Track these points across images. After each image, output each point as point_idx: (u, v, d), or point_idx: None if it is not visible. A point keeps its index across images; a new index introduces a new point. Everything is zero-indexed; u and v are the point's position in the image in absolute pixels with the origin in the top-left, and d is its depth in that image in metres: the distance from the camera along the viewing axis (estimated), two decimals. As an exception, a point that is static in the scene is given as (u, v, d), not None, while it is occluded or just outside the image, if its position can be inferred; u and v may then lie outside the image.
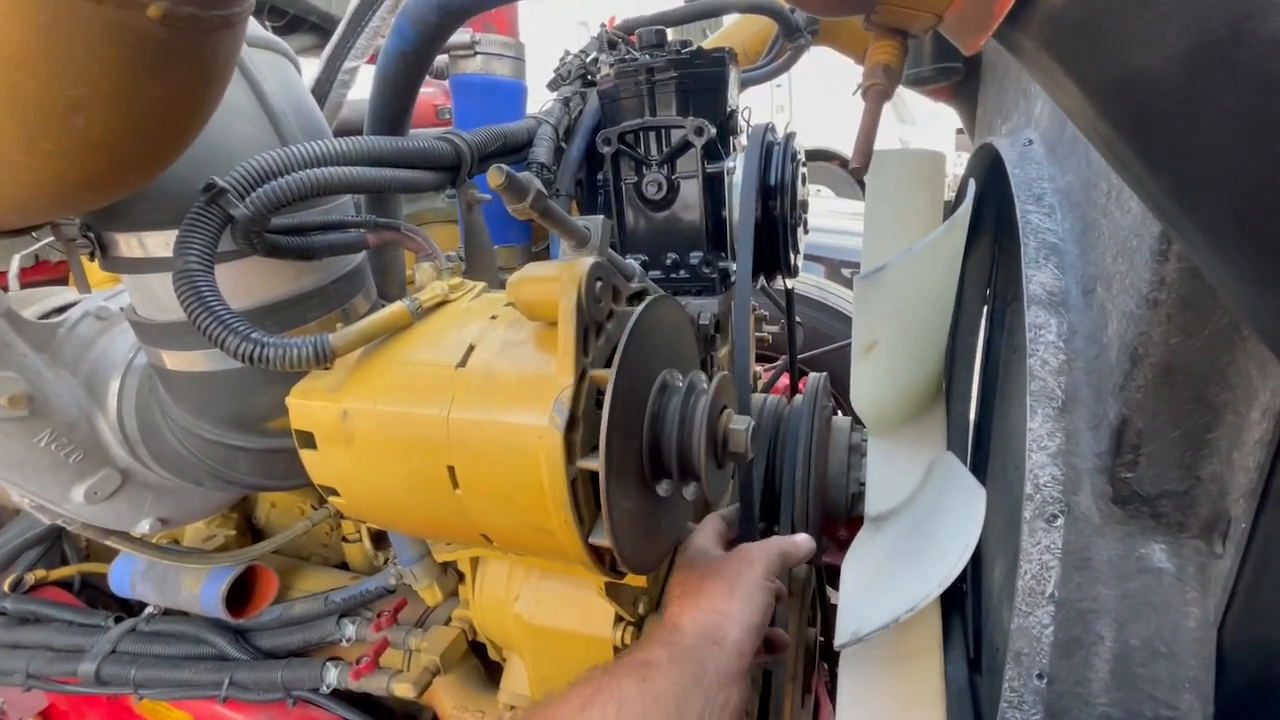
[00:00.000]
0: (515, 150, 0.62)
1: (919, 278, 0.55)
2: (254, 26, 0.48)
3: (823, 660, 1.12)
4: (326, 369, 0.42)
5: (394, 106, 0.53)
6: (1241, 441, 0.33)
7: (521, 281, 0.37)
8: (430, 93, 1.17)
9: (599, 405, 0.37)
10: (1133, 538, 0.38)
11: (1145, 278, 0.34)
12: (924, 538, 0.54)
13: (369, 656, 0.72)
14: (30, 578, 0.91)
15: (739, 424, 0.40)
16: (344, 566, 1.03)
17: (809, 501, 0.77)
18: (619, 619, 0.59)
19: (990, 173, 0.82)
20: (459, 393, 0.39)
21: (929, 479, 0.65)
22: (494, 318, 0.44)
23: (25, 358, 0.53)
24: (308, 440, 0.42)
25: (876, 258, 0.80)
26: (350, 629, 0.78)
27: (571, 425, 0.34)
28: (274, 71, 0.49)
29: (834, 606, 1.12)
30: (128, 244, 0.45)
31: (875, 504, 0.70)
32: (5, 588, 0.89)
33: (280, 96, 0.47)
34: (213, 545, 0.99)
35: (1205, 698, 0.35)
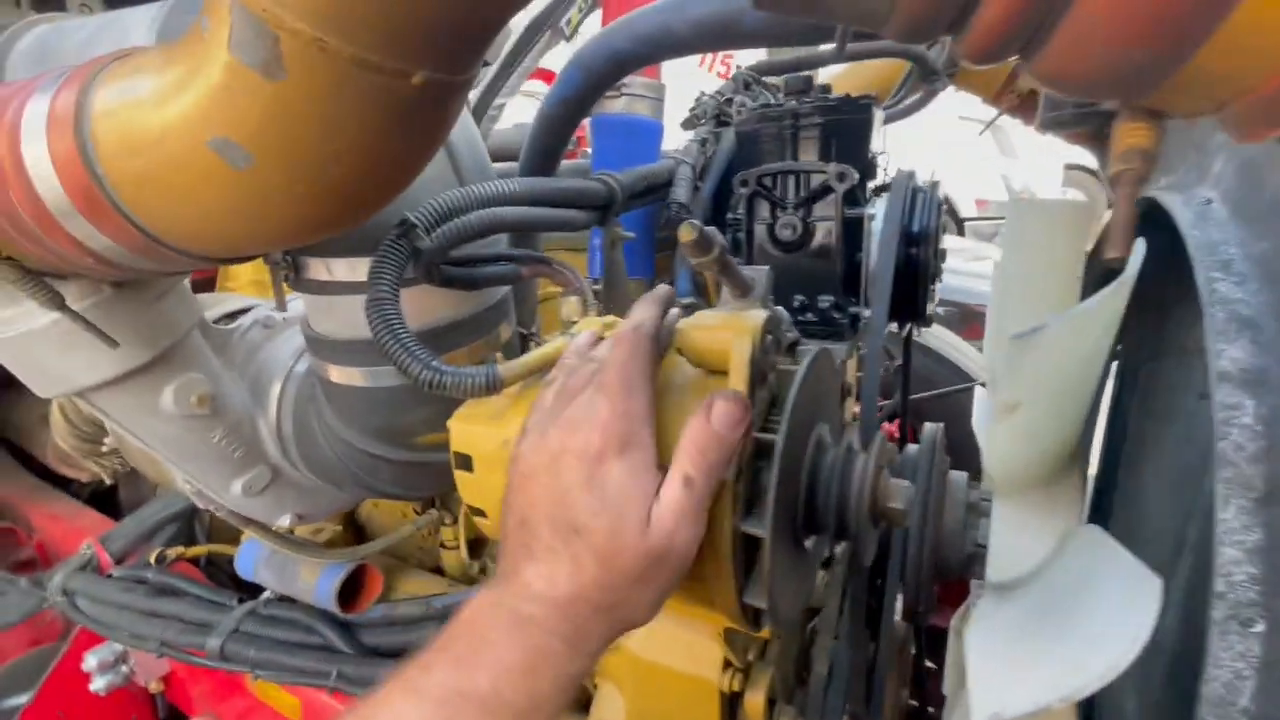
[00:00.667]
0: (657, 190, 0.64)
1: (1078, 341, 0.52)
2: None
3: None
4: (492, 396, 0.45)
5: (551, 147, 0.56)
6: None
7: (692, 329, 0.38)
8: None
9: (755, 458, 0.37)
10: (1352, 656, 0.34)
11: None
12: (1067, 616, 0.50)
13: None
14: (171, 553, 1.00)
15: (899, 487, 0.40)
16: (439, 571, 1.07)
17: (922, 556, 0.74)
18: (727, 664, 0.58)
19: (1143, 228, 0.77)
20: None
21: (1068, 550, 0.61)
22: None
23: (210, 361, 0.59)
24: (465, 463, 0.45)
25: (1011, 312, 0.77)
26: (449, 637, 0.82)
27: (737, 476, 0.35)
28: (450, 111, 0.53)
29: (931, 670, 1.06)
30: (317, 268, 0.49)
31: (1000, 570, 0.66)
32: (151, 560, 0.98)
33: (458, 134, 0.51)
34: (321, 538, 1.05)
35: None
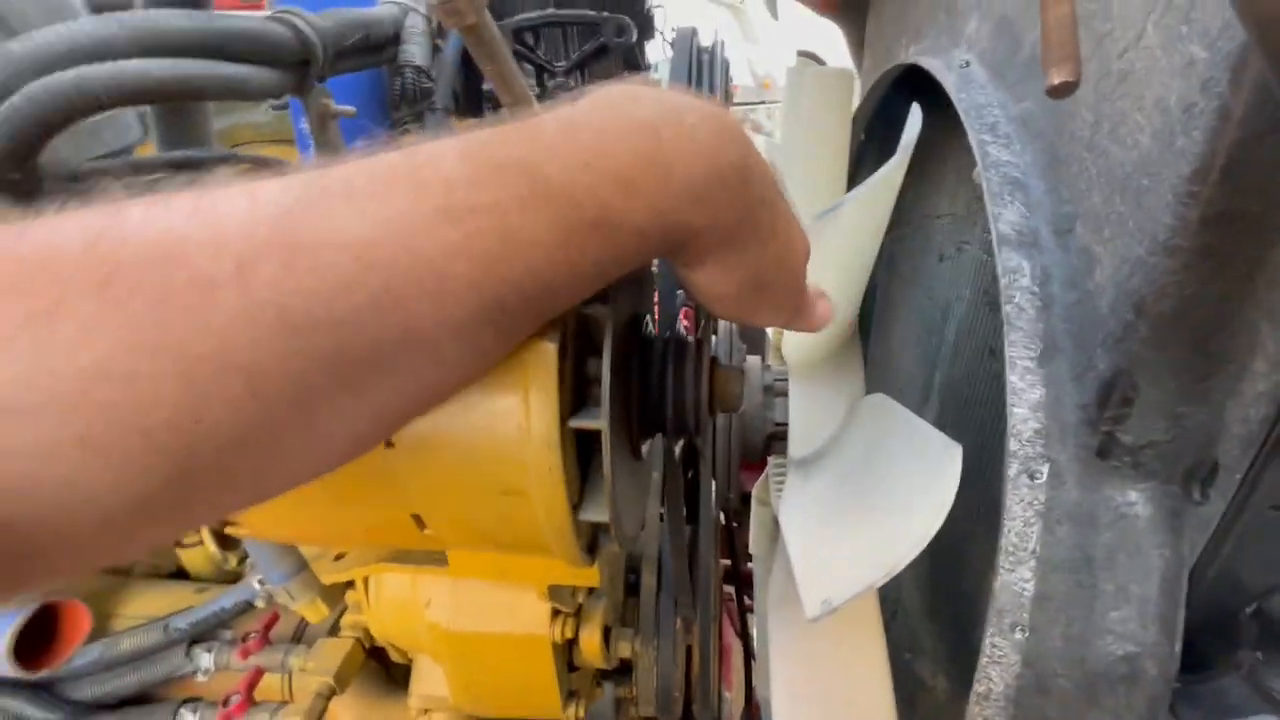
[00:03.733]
0: (379, 48, 0.47)
1: (870, 214, 0.50)
2: None
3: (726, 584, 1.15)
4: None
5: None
6: (1239, 392, 0.32)
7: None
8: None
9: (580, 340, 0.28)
10: (1112, 488, 0.37)
11: (1163, 222, 0.31)
12: (874, 489, 0.52)
13: (240, 693, 0.60)
14: None
15: (736, 372, 0.35)
16: (182, 575, 0.84)
17: (730, 446, 0.74)
18: (556, 613, 0.52)
19: (892, 99, 0.79)
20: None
21: (858, 421, 0.64)
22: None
23: None
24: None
25: (795, 185, 0.76)
26: (206, 658, 0.64)
27: (563, 352, 0.25)
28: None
29: (736, 529, 1.13)
30: None
31: (800, 447, 0.69)
32: None
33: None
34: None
35: (1172, 632, 0.37)
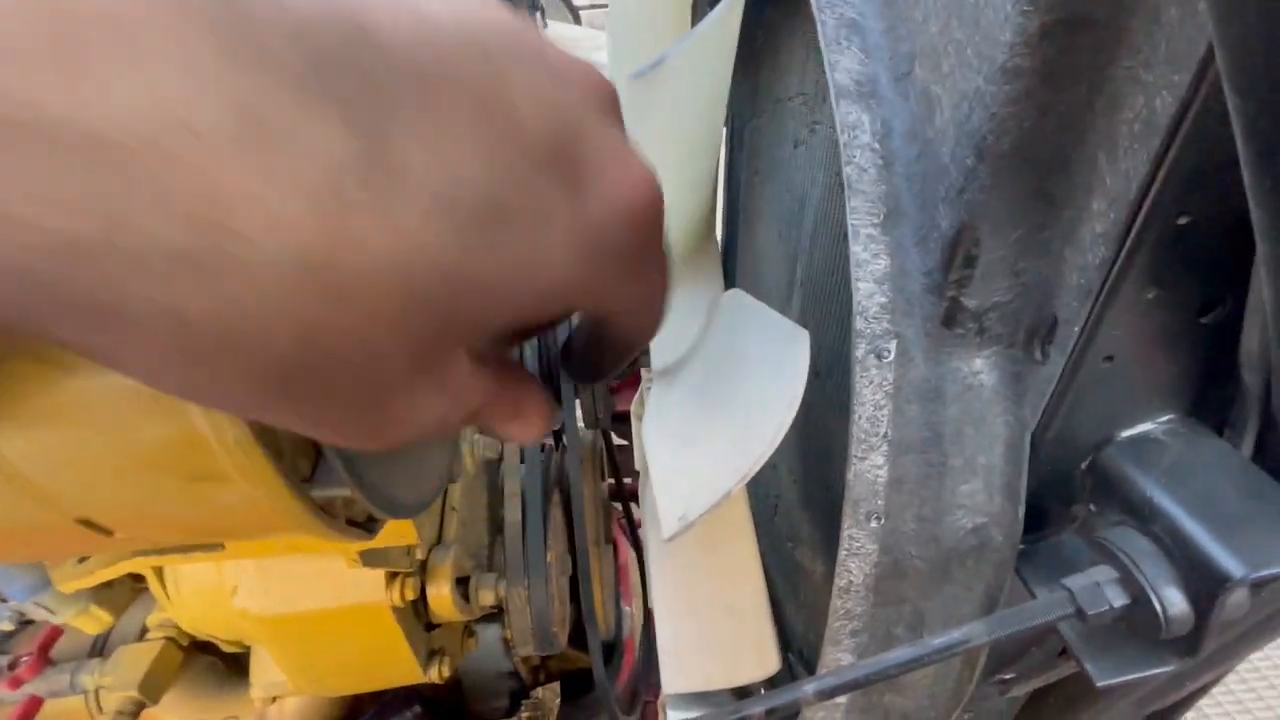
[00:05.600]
0: None
1: (699, 71, 0.43)
2: None
3: (610, 502, 1.13)
4: None
5: None
6: (1077, 237, 0.29)
7: None
8: None
9: None
10: (958, 359, 0.35)
11: (1003, 39, 0.26)
12: (729, 390, 0.49)
13: (10, 729, 0.49)
14: None
15: None
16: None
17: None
18: (394, 575, 0.45)
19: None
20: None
21: (717, 319, 0.60)
22: None
23: None
24: None
25: (627, 63, 0.67)
26: (-33, 695, 0.52)
27: None
28: None
29: (619, 448, 1.11)
30: None
31: (661, 356, 0.65)
32: None
33: None
34: None
35: (1016, 498, 0.36)
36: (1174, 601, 0.28)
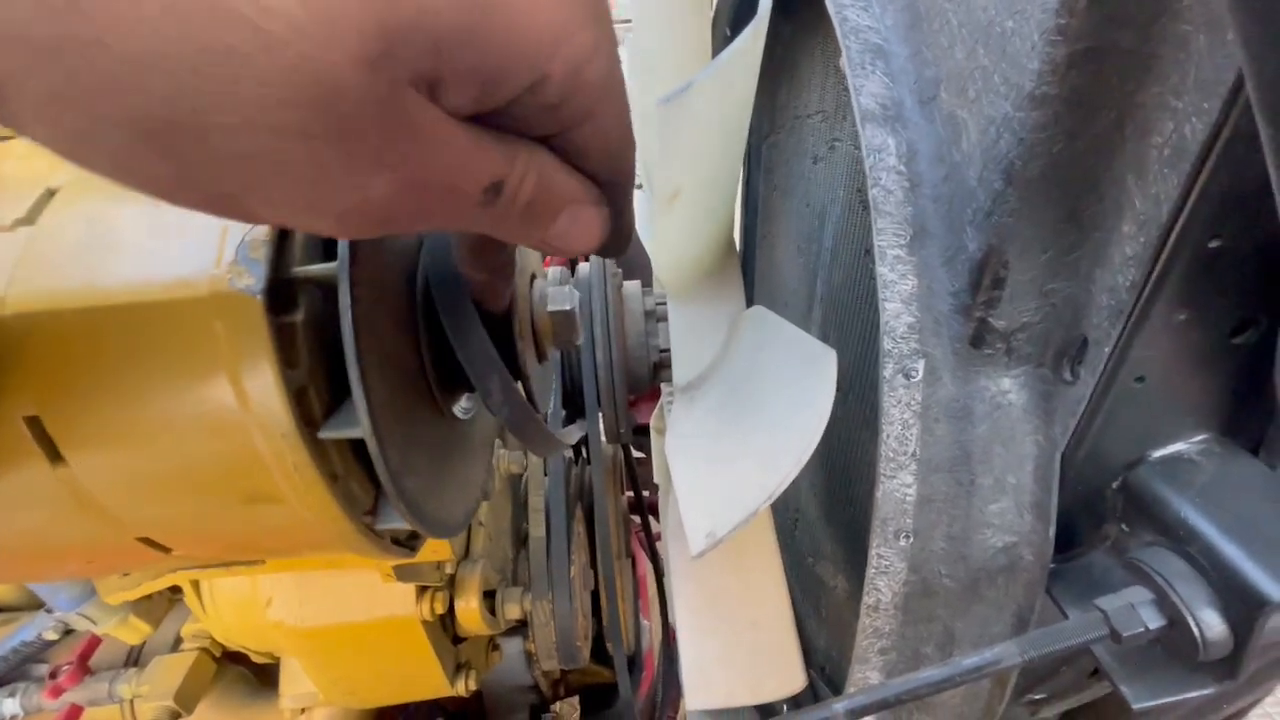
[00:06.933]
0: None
1: (726, 94, 0.44)
2: None
3: (629, 515, 1.14)
4: None
5: None
6: (1107, 259, 0.29)
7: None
8: None
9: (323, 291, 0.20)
10: (986, 378, 0.35)
11: (1031, 68, 0.27)
12: (753, 408, 0.49)
13: (52, 738, 0.50)
14: None
15: (563, 297, 0.28)
16: (-16, 605, 0.70)
17: (614, 381, 0.69)
18: (423, 589, 0.46)
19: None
20: (27, 264, 0.19)
21: (739, 336, 0.61)
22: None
23: None
24: None
25: (651, 90, 0.68)
26: (10, 704, 0.53)
27: (281, 296, 0.18)
28: None
29: (639, 461, 1.12)
30: None
31: (683, 372, 0.65)
32: None
33: None
34: None
35: (1046, 517, 0.36)
36: (1212, 624, 0.27)
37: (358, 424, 0.19)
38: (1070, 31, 0.25)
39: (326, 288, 0.19)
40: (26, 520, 0.20)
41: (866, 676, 0.42)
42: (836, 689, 0.70)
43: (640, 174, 0.80)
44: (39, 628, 0.52)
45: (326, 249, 0.21)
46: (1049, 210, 0.29)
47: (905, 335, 0.35)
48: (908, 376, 0.35)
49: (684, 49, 0.63)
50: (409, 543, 0.26)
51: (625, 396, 0.70)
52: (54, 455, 0.18)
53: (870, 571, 0.38)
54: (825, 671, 0.79)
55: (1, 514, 0.20)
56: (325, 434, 0.19)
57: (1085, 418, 0.32)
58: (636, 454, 1.22)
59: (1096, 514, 0.36)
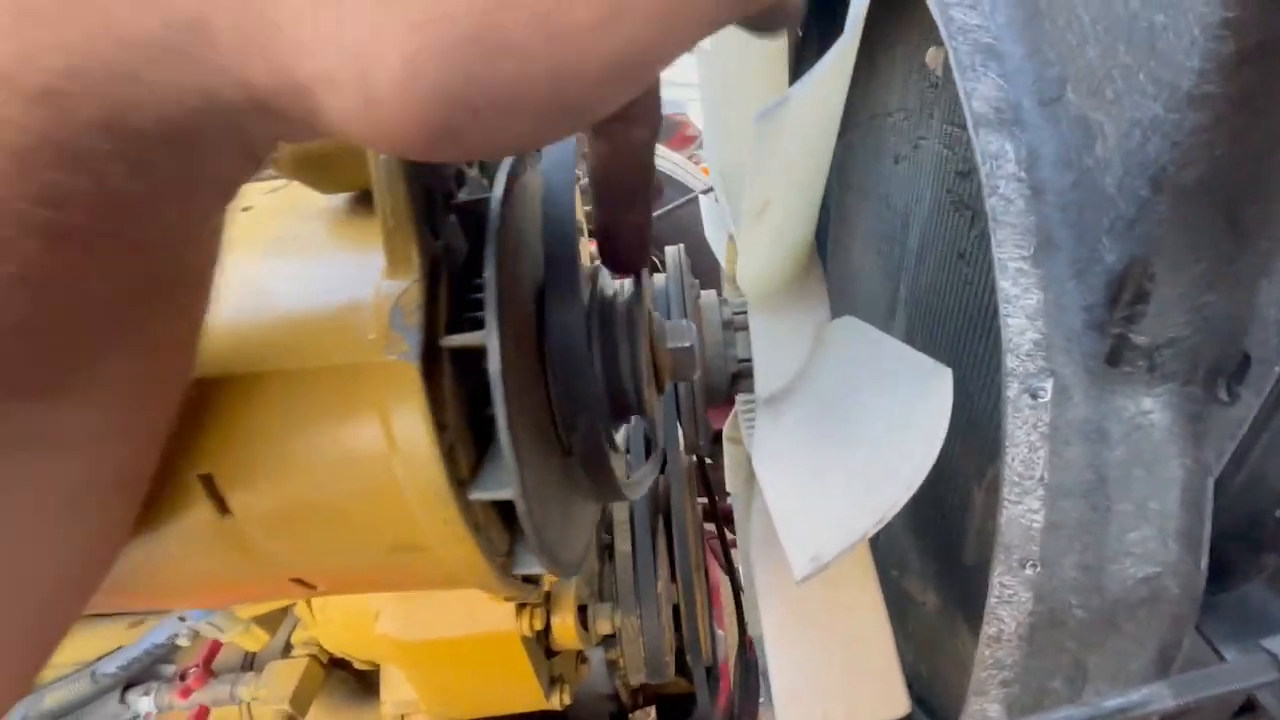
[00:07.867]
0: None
1: (823, 106, 0.43)
2: None
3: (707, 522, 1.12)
4: None
5: None
6: (1274, 269, 0.27)
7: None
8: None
9: (457, 367, 0.20)
10: (1124, 397, 0.32)
11: (1190, 65, 0.24)
12: (854, 425, 0.47)
13: (183, 738, 0.54)
14: None
15: (682, 333, 0.28)
16: (114, 609, 0.76)
17: (694, 389, 0.69)
18: (523, 606, 0.47)
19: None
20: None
21: (825, 350, 0.59)
22: (246, 209, 0.24)
23: None
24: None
25: (732, 103, 0.67)
26: (145, 702, 0.57)
27: (432, 357, 0.18)
28: None
29: (710, 467, 1.10)
30: None
31: (767, 384, 0.64)
32: None
33: None
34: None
35: (1196, 546, 0.33)
36: None
37: (507, 485, 0.19)
38: (1239, 25, 0.23)
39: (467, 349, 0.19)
40: (194, 565, 0.21)
41: (985, 709, 0.39)
42: (927, 708, 0.67)
43: (716, 184, 0.79)
44: (169, 631, 0.56)
45: (452, 310, 0.21)
46: (1206, 218, 0.27)
47: (1031, 353, 0.33)
48: (1034, 396, 0.33)
49: (761, 58, 0.62)
50: (533, 578, 0.27)
51: (705, 409, 0.69)
52: (222, 509, 0.19)
53: (992, 600, 0.36)
54: (913, 689, 0.76)
55: (171, 559, 0.21)
56: (476, 495, 0.19)
57: (1247, 440, 0.29)
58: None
59: (1255, 543, 0.33)
